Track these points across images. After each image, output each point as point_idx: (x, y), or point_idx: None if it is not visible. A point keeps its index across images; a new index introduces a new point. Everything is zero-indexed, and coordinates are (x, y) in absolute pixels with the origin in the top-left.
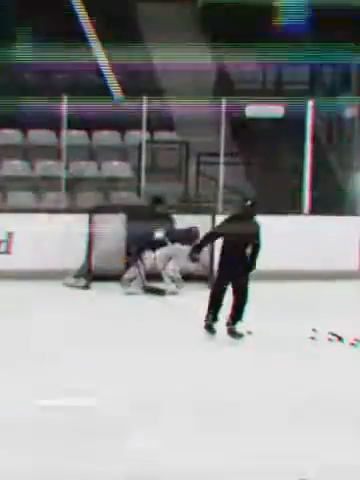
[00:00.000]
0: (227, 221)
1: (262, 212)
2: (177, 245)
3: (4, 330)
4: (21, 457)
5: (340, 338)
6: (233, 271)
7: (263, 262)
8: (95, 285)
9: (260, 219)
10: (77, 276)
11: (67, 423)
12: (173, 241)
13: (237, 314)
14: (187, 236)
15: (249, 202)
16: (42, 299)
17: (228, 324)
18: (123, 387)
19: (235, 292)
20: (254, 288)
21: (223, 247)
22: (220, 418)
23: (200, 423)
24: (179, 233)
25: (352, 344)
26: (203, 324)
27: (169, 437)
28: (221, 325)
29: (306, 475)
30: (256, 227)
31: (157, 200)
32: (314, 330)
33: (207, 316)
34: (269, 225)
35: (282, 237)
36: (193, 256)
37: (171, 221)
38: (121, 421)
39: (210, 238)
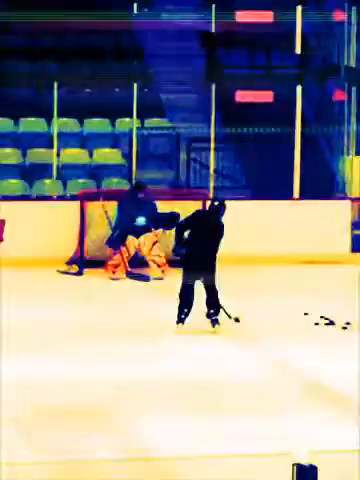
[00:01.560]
0: (192, 216)
1: (253, 197)
2: (161, 230)
3: None
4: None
5: (332, 322)
6: (198, 266)
7: (254, 246)
8: (88, 271)
9: (250, 204)
10: (70, 263)
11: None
12: (156, 227)
13: (214, 309)
14: (169, 221)
15: (216, 202)
16: (34, 286)
17: (209, 316)
18: (113, 374)
19: (205, 289)
20: (245, 273)
21: (188, 242)
22: (214, 403)
23: (195, 408)
24: (161, 218)
25: (344, 328)
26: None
27: (164, 423)
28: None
29: (301, 459)
30: (220, 227)
31: (139, 186)
32: (306, 314)
33: (178, 315)
34: (260, 209)
35: (272, 221)
36: (177, 252)
37: (153, 207)
38: (114, 408)
39: (180, 230)
